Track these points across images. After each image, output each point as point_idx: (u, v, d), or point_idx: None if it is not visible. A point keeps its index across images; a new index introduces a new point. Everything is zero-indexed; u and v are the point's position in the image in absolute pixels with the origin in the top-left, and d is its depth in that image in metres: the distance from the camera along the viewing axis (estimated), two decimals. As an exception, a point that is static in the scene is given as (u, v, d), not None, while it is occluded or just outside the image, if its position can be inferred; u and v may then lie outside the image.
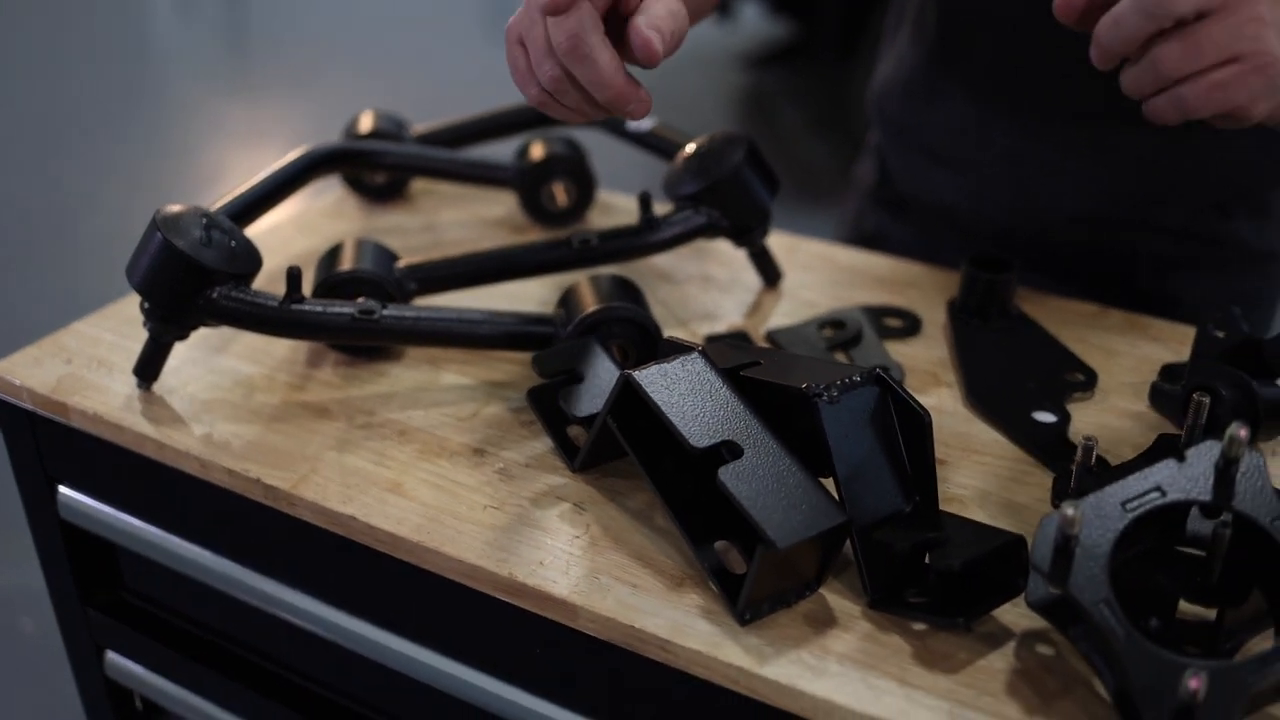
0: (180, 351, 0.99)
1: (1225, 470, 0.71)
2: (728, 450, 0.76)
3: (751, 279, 1.15)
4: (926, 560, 0.78)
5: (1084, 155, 1.16)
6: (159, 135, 4.02)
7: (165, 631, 1.07)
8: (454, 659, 0.87)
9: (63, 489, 1.03)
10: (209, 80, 4.58)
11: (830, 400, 0.77)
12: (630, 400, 0.81)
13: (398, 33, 5.04)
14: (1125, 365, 1.03)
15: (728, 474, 0.74)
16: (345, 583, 0.91)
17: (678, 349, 0.84)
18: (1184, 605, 0.76)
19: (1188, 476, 0.72)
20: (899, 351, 1.04)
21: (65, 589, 1.08)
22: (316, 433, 0.93)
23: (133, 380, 0.97)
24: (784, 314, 1.10)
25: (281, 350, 1.02)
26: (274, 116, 4.17)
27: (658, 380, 0.80)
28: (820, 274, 1.16)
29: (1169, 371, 0.99)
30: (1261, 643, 0.76)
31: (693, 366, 0.81)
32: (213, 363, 1.01)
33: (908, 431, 0.79)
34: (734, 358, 0.85)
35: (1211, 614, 0.76)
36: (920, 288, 1.14)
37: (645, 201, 1.03)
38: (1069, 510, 0.67)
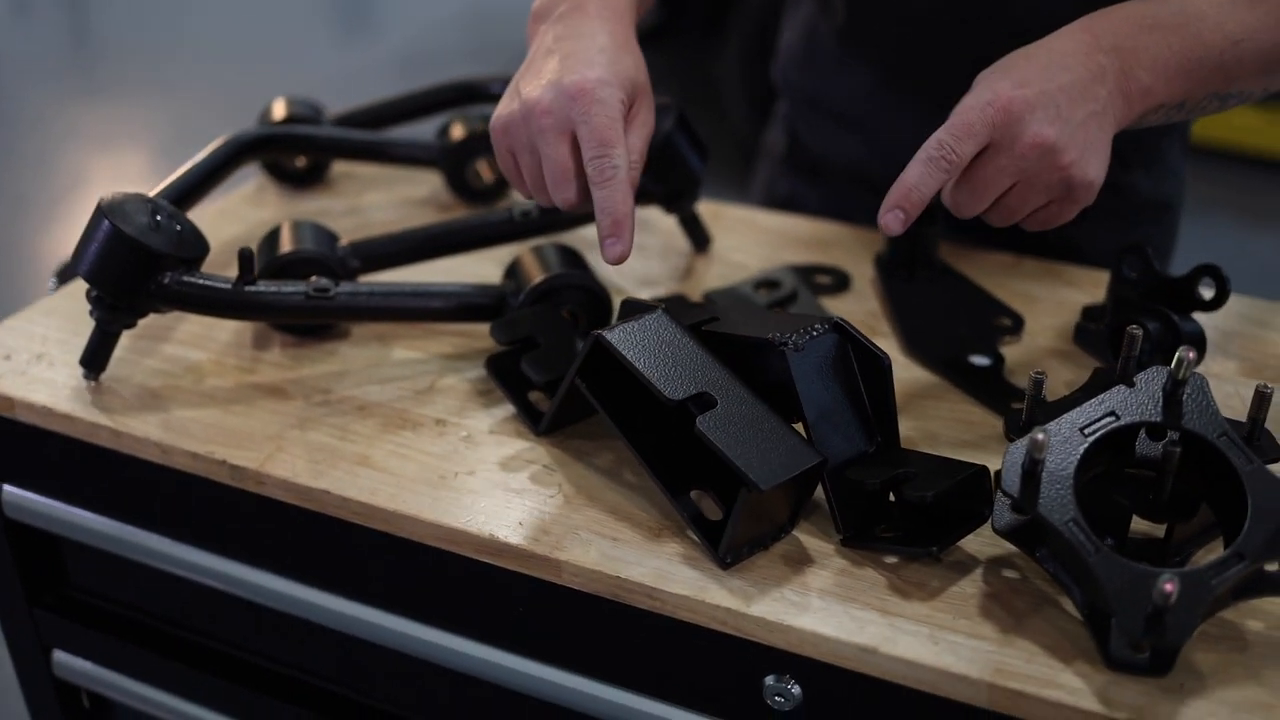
0: (122, 342, 0.98)
1: (1173, 392, 0.76)
2: (701, 401, 0.79)
3: (681, 245, 1.17)
4: (893, 497, 0.81)
5: None
6: (12, 145, 3.89)
7: (117, 626, 1.05)
8: (434, 626, 0.89)
9: (7, 488, 1.01)
10: (55, 84, 4.44)
11: (796, 348, 0.80)
12: (598, 360, 0.83)
13: (245, 28, 4.95)
14: (1046, 309, 1.08)
15: (705, 423, 0.77)
16: (316, 559, 0.92)
17: (640, 309, 0.86)
18: (1134, 526, 0.81)
19: (1138, 401, 0.76)
20: (833, 307, 1.08)
21: (10, 591, 1.06)
22: (276, 413, 0.93)
23: (78, 372, 0.96)
24: (717, 277, 1.13)
25: (225, 334, 1.02)
26: (130, 119, 4.07)
27: (626, 338, 0.82)
28: (746, 237, 1.19)
29: (1089, 312, 1.05)
30: (1207, 555, 0.81)
31: (658, 324, 0.84)
32: (157, 351, 1.00)
33: (868, 375, 0.83)
34: (693, 314, 0.88)
35: (1159, 531, 0.81)
36: (842, 246, 1.18)
37: (582, 172, 1.04)
38: (1038, 435, 0.71)
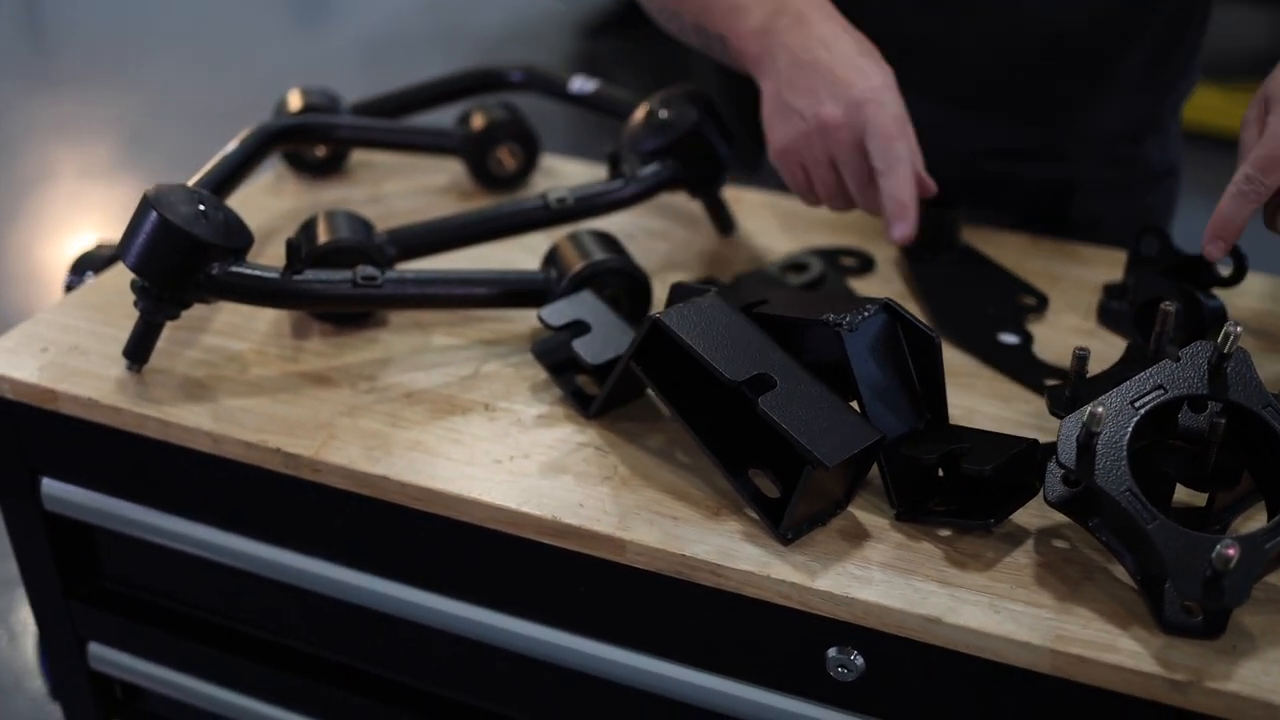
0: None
1: (1218, 366, 0.79)
2: (760, 382, 0.81)
3: (704, 231, 1.19)
4: (942, 472, 0.84)
5: (999, 121, 1.25)
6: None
7: (153, 616, 1.06)
8: (494, 609, 0.90)
9: (46, 480, 1.01)
10: (14, 78, 4.38)
11: (851, 328, 0.82)
12: (654, 343, 0.85)
13: (204, 16, 4.90)
14: (1067, 287, 1.11)
15: (768, 402, 0.79)
16: (372, 545, 0.93)
17: (691, 291, 0.88)
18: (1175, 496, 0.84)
19: (1185, 375, 0.79)
20: (860, 288, 1.10)
21: (47, 584, 1.07)
22: (324, 401, 0.94)
23: (120, 364, 0.96)
24: (744, 260, 1.15)
25: (264, 324, 1.03)
26: (93, 111, 4.02)
27: (684, 321, 0.84)
28: (767, 221, 1.21)
29: (1111, 290, 1.07)
30: (1245, 523, 0.84)
31: (712, 306, 0.85)
32: (197, 342, 1.00)
33: (917, 354, 0.85)
34: (743, 297, 0.89)
35: (1198, 501, 0.84)
36: (861, 229, 1.20)
37: (615, 159, 1.06)
38: (1098, 409, 0.73)
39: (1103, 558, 0.80)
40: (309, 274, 0.93)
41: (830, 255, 1.14)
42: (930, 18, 1.19)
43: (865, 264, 1.13)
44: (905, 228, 0.99)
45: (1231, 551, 0.69)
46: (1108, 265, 1.14)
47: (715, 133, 1.09)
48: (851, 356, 0.82)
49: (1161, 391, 0.79)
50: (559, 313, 0.94)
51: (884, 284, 1.12)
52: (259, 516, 0.95)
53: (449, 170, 1.28)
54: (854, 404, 0.83)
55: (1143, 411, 0.78)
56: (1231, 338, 0.77)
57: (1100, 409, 0.73)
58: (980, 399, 0.96)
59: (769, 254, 1.15)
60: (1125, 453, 0.76)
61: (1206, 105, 3.42)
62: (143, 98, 4.06)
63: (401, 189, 1.26)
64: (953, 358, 1.01)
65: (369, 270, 0.94)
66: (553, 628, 0.89)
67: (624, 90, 1.21)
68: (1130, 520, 0.74)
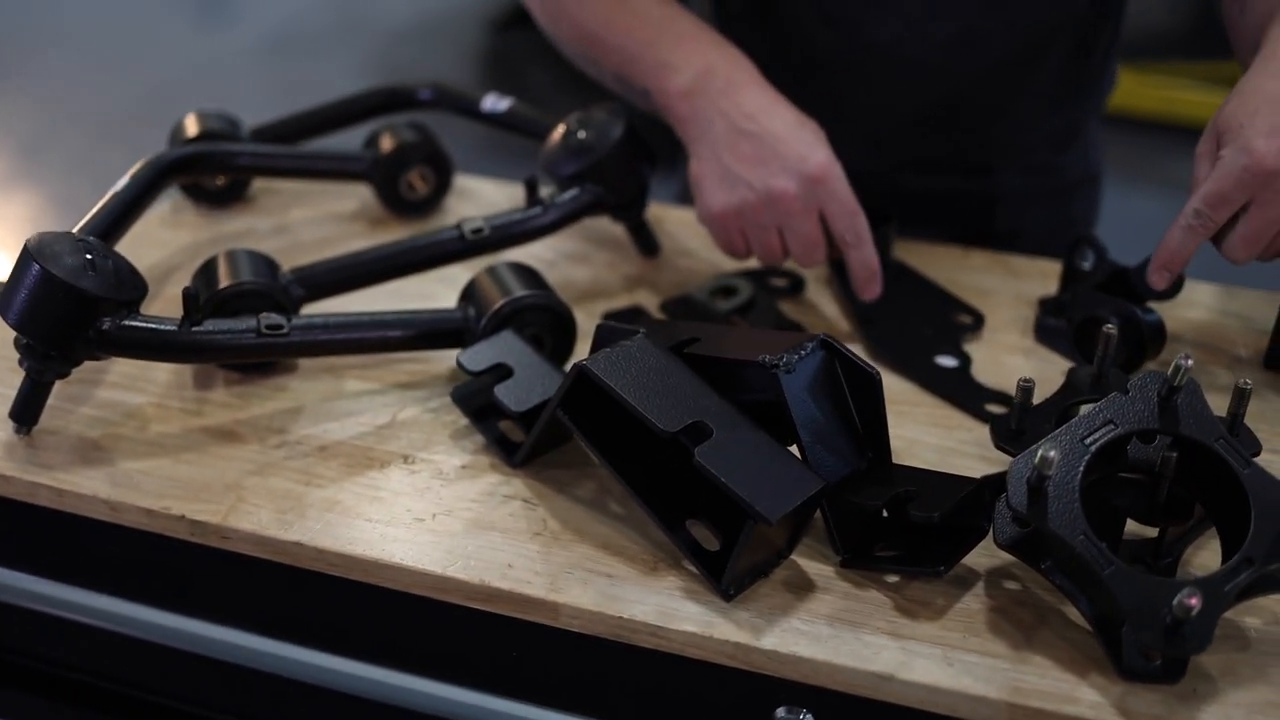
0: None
1: (1168, 398, 0.76)
2: (696, 431, 0.77)
3: (628, 253, 1.15)
4: (885, 515, 0.80)
5: (916, 136, 1.22)
6: None
7: (54, 689, 1.00)
8: (423, 675, 0.85)
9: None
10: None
11: (788, 369, 0.79)
12: (581, 390, 0.80)
13: (97, 14, 4.74)
14: (1002, 302, 1.08)
15: (705, 453, 0.75)
16: (288, 613, 0.87)
17: (618, 333, 0.84)
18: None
19: (1135, 408, 0.76)
20: (791, 311, 1.07)
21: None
22: (231, 459, 0.88)
23: (6, 426, 0.89)
24: (670, 284, 1.10)
25: (163, 375, 0.96)
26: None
27: (612, 368, 0.79)
28: (692, 241, 1.17)
29: (1047, 305, 1.05)
30: (1195, 553, 0.82)
31: (641, 350, 0.81)
32: (91, 396, 0.94)
33: (857, 391, 0.82)
34: (672, 335, 0.85)
35: (1148, 529, 0.81)
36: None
37: (532, 185, 1.01)
38: (1050, 452, 0.70)
39: (1055, 598, 0.77)
40: (209, 324, 0.87)
41: (759, 276, 1.10)
42: (839, 41, 1.18)
43: (796, 285, 1.09)
44: (877, 287, 1.02)
45: (1194, 601, 0.66)
46: (1041, 277, 1.11)
47: (637, 154, 1.05)
48: (790, 399, 0.78)
49: (1112, 427, 0.76)
50: (479, 357, 0.89)
51: (816, 305, 1.08)
52: (166, 585, 0.90)
53: (358, 194, 1.22)
54: (794, 447, 0.79)
55: (1093, 449, 0.74)
56: (1182, 371, 0.74)
57: (1052, 453, 0.70)
58: (921, 428, 0.93)
59: (696, 276, 1.11)
60: (1077, 494, 0.72)
61: (1120, 89, 3.45)
62: (35, 102, 3.92)
63: (308, 216, 1.20)
64: (891, 384, 0.97)
65: (274, 318, 0.89)
66: (485, 693, 0.84)
67: (537, 109, 1.16)
68: (1085, 565, 0.71)
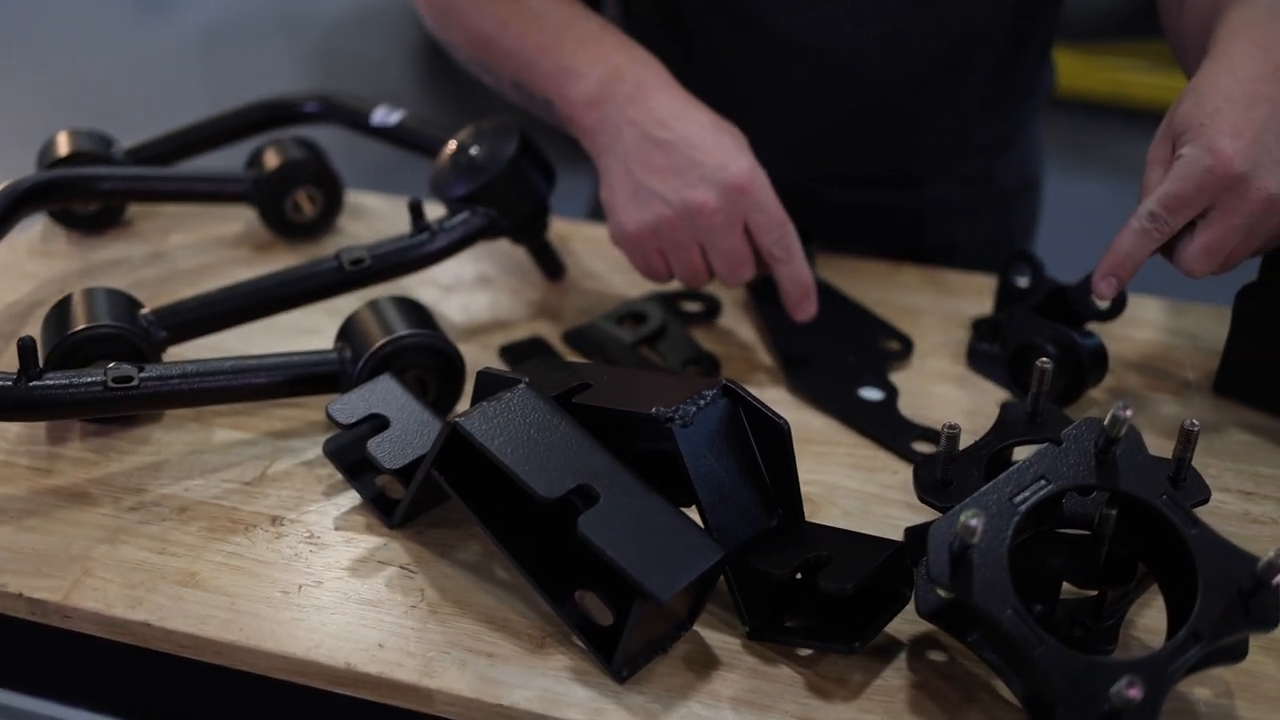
0: (-113, 446, 0.83)
1: (1106, 450, 0.68)
2: (581, 495, 0.69)
3: (534, 274, 1.06)
4: (799, 577, 0.72)
5: (841, 148, 1.14)
6: None
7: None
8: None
9: None
10: None
11: (684, 423, 0.71)
12: (457, 448, 0.72)
13: (24, 5, 4.60)
14: (933, 324, 1.00)
15: (588, 524, 0.67)
16: (139, 697, 0.79)
17: (498, 383, 0.76)
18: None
19: (1070, 462, 0.69)
20: (705, 337, 0.99)
21: None
22: (80, 525, 0.79)
23: None
24: (576, 310, 1.02)
25: (13, 429, 0.87)
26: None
27: (488, 425, 0.71)
28: (602, 260, 1.09)
29: (980, 327, 0.97)
30: (1141, 612, 0.74)
31: (522, 402, 0.73)
32: (-70, 454, 0.85)
33: (764, 443, 0.74)
34: (559, 381, 0.77)
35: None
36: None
37: (417, 209, 0.93)
38: (971, 521, 0.62)
39: (985, 672, 0.70)
40: (51, 377, 0.79)
41: (671, 300, 1.01)
42: (751, 43, 1.09)
43: (711, 309, 1.01)
44: (812, 306, 0.93)
45: (1134, 693, 0.58)
46: (976, 295, 1.04)
47: (533, 170, 0.96)
48: (686, 455, 0.70)
49: (1044, 483, 0.68)
50: (351, 407, 0.80)
51: (732, 331, 1.00)
52: (10, 665, 0.81)
53: (243, 217, 1.13)
54: (694, 506, 0.71)
55: (1023, 509, 0.67)
56: (1121, 423, 0.67)
57: (974, 521, 0.62)
58: (841, 471, 0.85)
59: (605, 300, 1.03)
60: (1006, 564, 0.65)
61: (1062, 69, 3.38)
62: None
63: (188, 242, 1.11)
64: (810, 421, 0.90)
65: (123, 369, 0.80)
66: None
67: (431, 122, 1.07)
68: (1014, 644, 0.63)
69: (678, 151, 0.90)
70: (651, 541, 0.67)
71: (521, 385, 0.74)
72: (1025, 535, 0.70)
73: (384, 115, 1.08)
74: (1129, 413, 0.66)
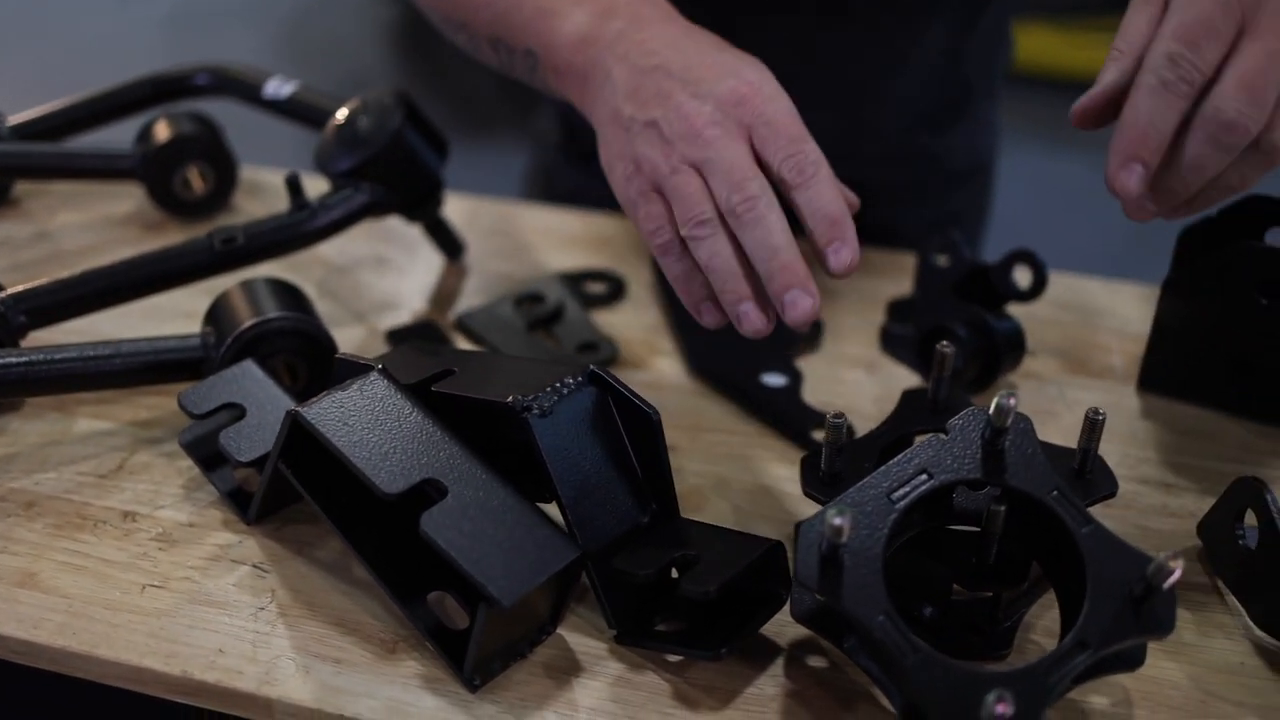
0: None
1: (993, 442, 0.63)
2: (427, 491, 0.64)
3: (433, 255, 1.01)
4: (674, 575, 0.68)
5: None
6: None
7: None
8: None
9: None
10: None
11: (542, 412, 0.66)
12: (304, 439, 0.67)
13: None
14: (849, 306, 0.95)
15: (431, 521, 0.62)
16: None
17: (353, 369, 0.70)
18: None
19: (954, 454, 0.64)
20: (607, 322, 0.93)
21: None
22: (-85, 521, 0.74)
23: None
24: (474, 292, 0.97)
25: None
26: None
27: (333, 415, 0.66)
28: (508, 239, 1.04)
29: (896, 309, 0.92)
30: (1044, 613, 0.69)
31: (373, 391, 0.68)
32: None
33: (634, 433, 0.69)
34: (423, 368, 0.72)
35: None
36: (622, 245, 1.03)
37: (294, 185, 0.88)
38: (835, 520, 0.57)
39: (865, 680, 0.65)
40: (-120, 367, 0.74)
41: (575, 280, 0.96)
42: (689, 15, 1.00)
43: (616, 290, 0.96)
44: (849, 251, 0.69)
45: (1002, 709, 0.53)
46: (899, 274, 0.99)
47: (421, 142, 0.91)
48: (544, 447, 0.65)
49: (926, 478, 0.63)
50: (205, 395, 0.75)
51: (636, 313, 0.95)
52: None
53: (134, 195, 1.08)
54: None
55: (901, 507, 0.62)
56: (1006, 413, 0.62)
57: (840, 519, 0.57)
58: (736, 462, 0.80)
59: (507, 282, 0.98)
60: (879, 566, 0.60)
61: (1039, 46, 3.31)
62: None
63: (76, 222, 1.06)
64: (708, 408, 0.85)
65: (-38, 355, 0.75)
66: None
67: (326, 94, 1.01)
68: (886, 652, 0.58)
69: (671, 75, 0.74)
70: (500, 540, 0.62)
71: (373, 372, 0.69)
72: (912, 532, 0.66)
73: (276, 87, 1.02)
74: (1013, 401, 0.61)
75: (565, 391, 0.67)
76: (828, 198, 0.70)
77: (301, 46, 3.91)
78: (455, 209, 1.05)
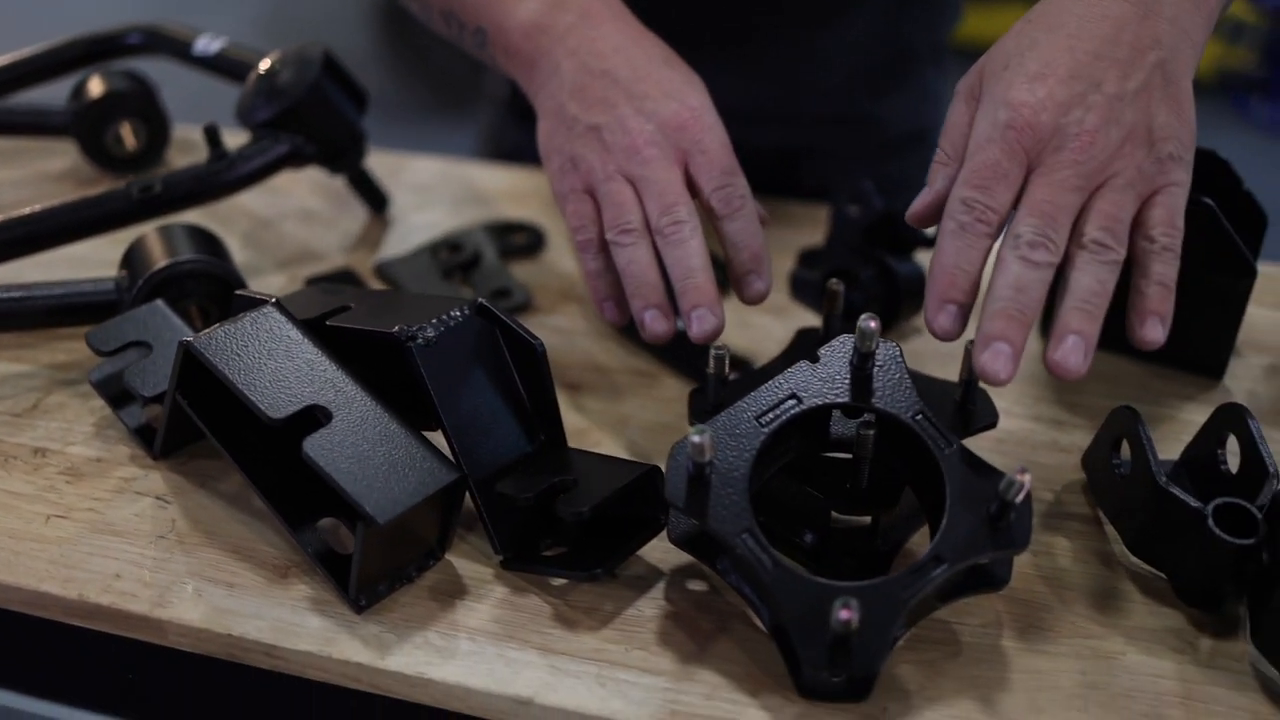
0: None
1: (860, 367, 0.65)
2: (313, 417, 0.65)
3: (359, 208, 1.03)
4: (557, 506, 0.69)
5: (720, 66, 1.09)
6: None
7: None
8: (40, 698, 0.74)
9: None
10: None
11: (426, 343, 0.67)
12: (199, 371, 0.69)
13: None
14: (763, 255, 0.97)
15: (313, 444, 0.63)
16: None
17: (248, 304, 0.72)
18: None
19: (823, 378, 0.65)
20: (525, 271, 0.95)
21: None
22: None
23: None
24: (397, 243, 0.99)
25: None
26: None
27: (225, 345, 0.68)
28: (436, 194, 1.05)
29: (807, 258, 0.94)
30: (920, 540, 0.71)
31: (265, 322, 0.69)
32: None
33: (521, 365, 0.70)
34: (321, 304, 0.74)
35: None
36: (546, 197, 1.05)
37: (213, 135, 0.89)
38: (695, 437, 0.59)
39: (741, 603, 0.67)
40: None
41: (499, 232, 0.98)
42: None
43: (536, 241, 0.98)
44: (762, 284, 0.77)
45: (846, 614, 0.55)
46: (815, 226, 1.00)
47: (339, 94, 0.92)
48: (428, 376, 0.67)
49: (795, 402, 0.65)
50: (113, 333, 0.77)
51: (554, 264, 0.97)
52: None
53: (70, 153, 1.09)
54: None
55: (769, 430, 0.63)
56: (869, 336, 0.64)
57: (698, 437, 0.59)
58: (636, 401, 0.82)
59: (431, 231, 1.00)
60: (744, 485, 0.62)
61: (989, 22, 3.29)
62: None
63: (11, 178, 1.08)
64: (615, 350, 0.87)
65: (-125, 294, 0.77)
66: (109, 716, 0.73)
67: (253, 50, 1.03)
68: (749, 568, 0.60)
69: (618, 83, 0.79)
70: (380, 464, 0.64)
71: (267, 305, 0.71)
72: (789, 458, 0.67)
73: (205, 44, 1.04)
74: (874, 324, 0.63)
75: (451, 323, 0.69)
76: (750, 231, 0.77)
77: (282, 29, 3.92)
78: (381, 164, 1.07)
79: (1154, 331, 0.67)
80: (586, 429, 0.79)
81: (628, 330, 0.87)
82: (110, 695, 0.74)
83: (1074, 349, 0.63)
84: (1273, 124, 3.58)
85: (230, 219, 1.00)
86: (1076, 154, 0.66)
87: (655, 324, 0.75)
